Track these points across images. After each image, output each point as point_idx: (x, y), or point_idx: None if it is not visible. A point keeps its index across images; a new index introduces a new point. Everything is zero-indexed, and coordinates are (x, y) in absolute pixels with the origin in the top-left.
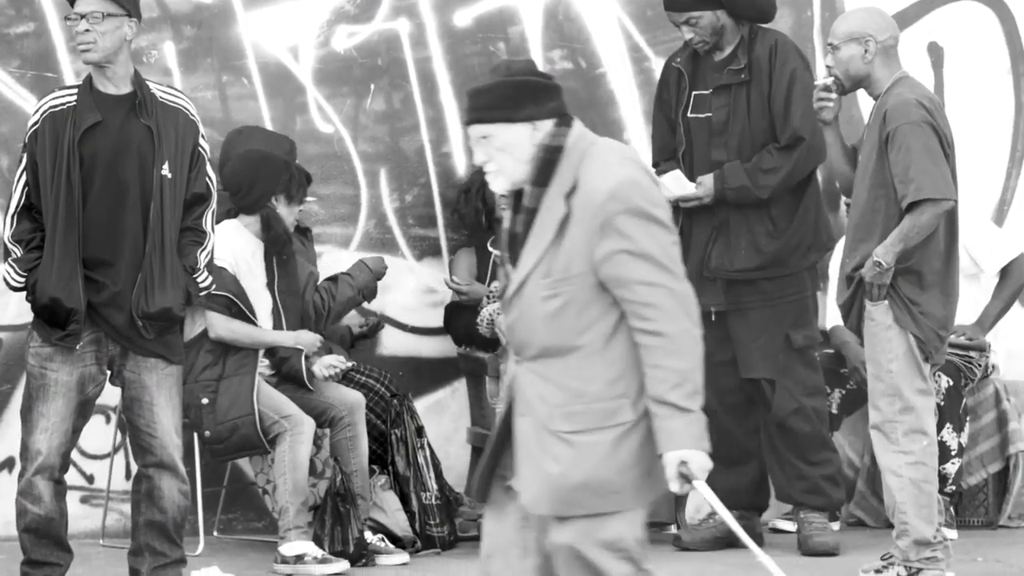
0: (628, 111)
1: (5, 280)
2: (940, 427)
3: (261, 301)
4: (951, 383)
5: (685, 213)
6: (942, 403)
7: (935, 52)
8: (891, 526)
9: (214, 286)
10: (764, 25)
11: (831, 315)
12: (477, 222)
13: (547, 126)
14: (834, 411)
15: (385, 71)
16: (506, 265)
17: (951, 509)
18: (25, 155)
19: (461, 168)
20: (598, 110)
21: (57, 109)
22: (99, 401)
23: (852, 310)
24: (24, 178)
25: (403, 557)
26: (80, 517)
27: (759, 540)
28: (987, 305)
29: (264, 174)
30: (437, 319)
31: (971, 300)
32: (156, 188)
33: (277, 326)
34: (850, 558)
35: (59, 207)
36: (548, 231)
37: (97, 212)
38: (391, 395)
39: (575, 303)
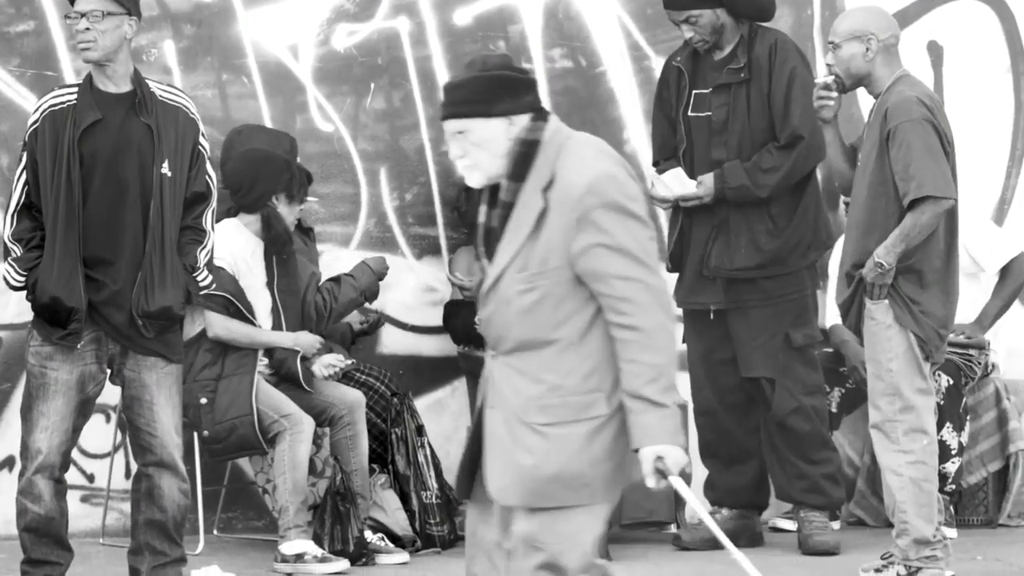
0: (628, 110)
1: (5, 279)
2: (940, 426)
3: (260, 300)
4: (951, 382)
5: (685, 212)
6: (942, 402)
7: (935, 51)
8: (891, 525)
9: (214, 285)
10: (764, 24)
11: (831, 314)
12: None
13: (523, 120)
14: (834, 410)
15: (385, 70)
16: (482, 260)
17: (951, 508)
18: (25, 154)
19: None
20: (598, 108)
21: (57, 108)
22: (99, 400)
23: (851, 310)
24: (24, 177)
25: (403, 556)
26: (80, 516)
27: (759, 539)
28: (986, 303)
29: (265, 173)
30: (437, 318)
31: (971, 299)
32: (156, 187)
33: (276, 325)
34: (850, 557)
35: (59, 206)
36: (525, 225)
37: (97, 211)
38: (391, 394)
39: (551, 297)
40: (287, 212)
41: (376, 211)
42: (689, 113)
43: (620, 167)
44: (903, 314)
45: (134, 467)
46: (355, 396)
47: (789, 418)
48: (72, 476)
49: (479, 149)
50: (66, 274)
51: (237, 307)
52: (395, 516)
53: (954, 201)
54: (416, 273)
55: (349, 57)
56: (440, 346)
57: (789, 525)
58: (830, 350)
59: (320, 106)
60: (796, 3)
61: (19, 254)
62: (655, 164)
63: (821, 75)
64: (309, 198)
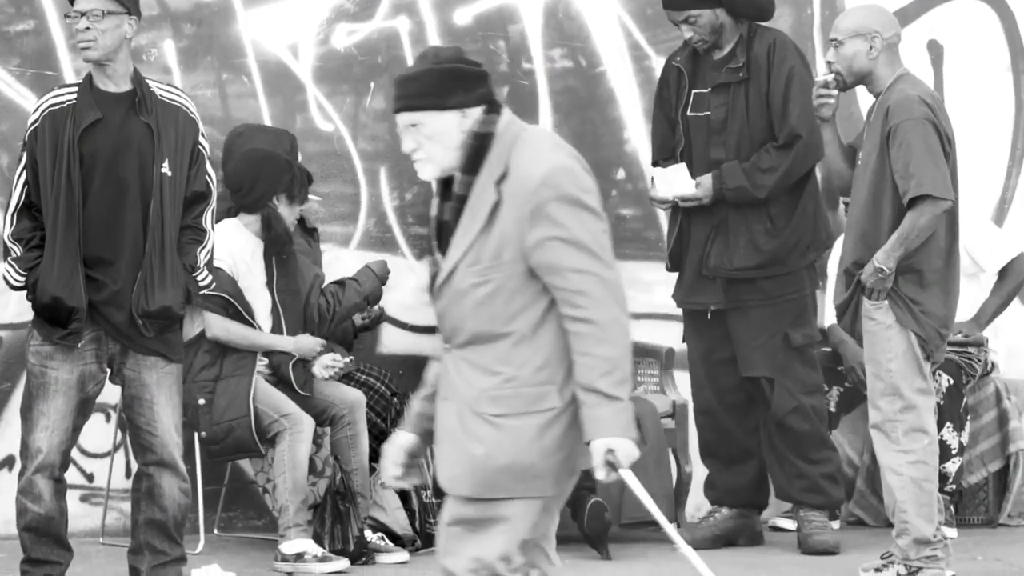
0: (628, 109)
1: (5, 279)
2: (940, 426)
3: (260, 301)
4: (951, 382)
5: (684, 212)
6: (942, 402)
7: (935, 50)
8: (891, 525)
9: (213, 285)
10: (763, 23)
11: (829, 313)
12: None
13: (476, 113)
14: (832, 409)
15: (385, 69)
16: (435, 253)
17: (951, 508)
18: (25, 153)
19: None
20: (598, 108)
21: (57, 107)
22: (99, 399)
23: (848, 311)
24: (24, 176)
25: (403, 555)
26: (80, 515)
27: (759, 539)
28: (984, 302)
29: (266, 173)
30: None
31: (971, 300)
32: (156, 186)
33: (276, 325)
34: (850, 557)
35: (59, 205)
36: (479, 218)
37: (97, 210)
38: (391, 393)
39: (504, 290)
40: (287, 212)
41: (376, 211)
42: (688, 113)
43: (574, 160)
44: (904, 314)
45: (134, 466)
46: (355, 396)
47: (788, 418)
48: (72, 475)
49: (432, 142)
50: (66, 274)
51: (236, 308)
52: (395, 515)
53: (952, 203)
54: (416, 273)
55: (349, 57)
56: (440, 346)
57: (789, 524)
58: (828, 350)
59: (320, 106)
60: (796, 2)
61: (19, 254)
62: (655, 164)
63: (821, 73)
64: (311, 196)
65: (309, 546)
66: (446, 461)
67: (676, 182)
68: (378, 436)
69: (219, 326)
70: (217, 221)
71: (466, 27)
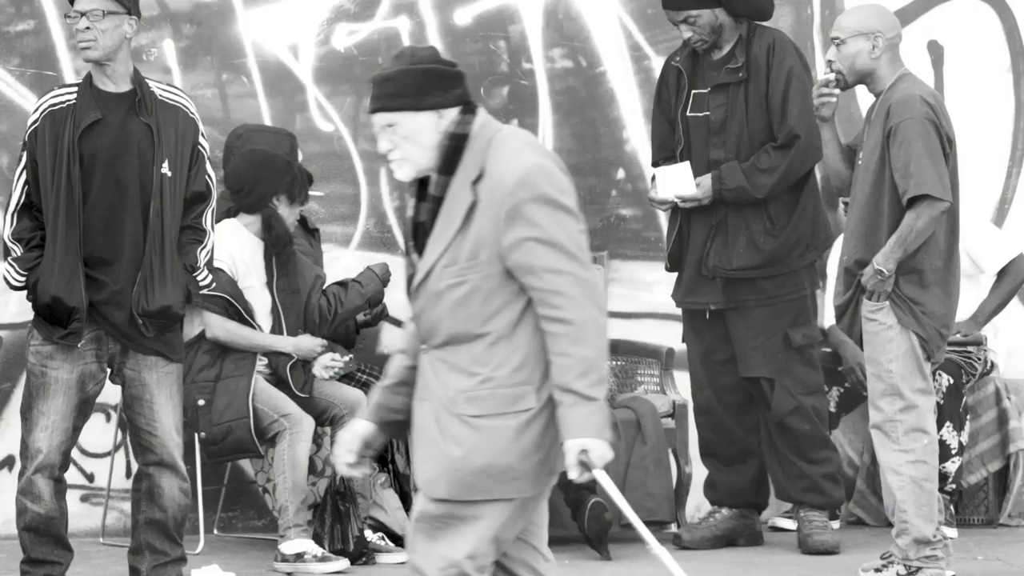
0: (628, 110)
1: (5, 279)
2: (940, 425)
3: (260, 301)
4: (951, 381)
5: (684, 212)
6: (942, 402)
7: (935, 50)
8: (891, 525)
9: (214, 284)
10: (763, 23)
11: (829, 313)
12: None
13: (452, 114)
14: (832, 409)
15: None
16: (411, 254)
17: (951, 508)
18: (25, 153)
19: None
20: (598, 108)
21: (57, 107)
22: (99, 399)
23: (847, 312)
24: (24, 176)
25: (403, 555)
26: (80, 515)
27: (759, 539)
28: (983, 301)
29: (267, 174)
30: None
31: (971, 301)
32: (156, 186)
33: (276, 325)
34: (850, 557)
35: (59, 205)
36: (455, 219)
37: (97, 210)
38: None
39: (481, 291)
40: (288, 213)
41: (376, 211)
42: (688, 113)
43: (550, 160)
44: (904, 315)
45: (134, 466)
46: (355, 396)
47: (789, 418)
48: (72, 475)
49: (408, 143)
50: (67, 274)
51: (236, 308)
52: (395, 515)
53: (950, 204)
54: None
55: (349, 57)
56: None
57: (789, 524)
58: (828, 350)
59: (320, 106)
60: (796, 2)
61: (19, 254)
62: (655, 164)
63: (822, 73)
64: (313, 192)
65: (309, 546)
66: (423, 462)
67: (678, 181)
68: None
69: (219, 326)
70: (217, 221)
71: (466, 27)
